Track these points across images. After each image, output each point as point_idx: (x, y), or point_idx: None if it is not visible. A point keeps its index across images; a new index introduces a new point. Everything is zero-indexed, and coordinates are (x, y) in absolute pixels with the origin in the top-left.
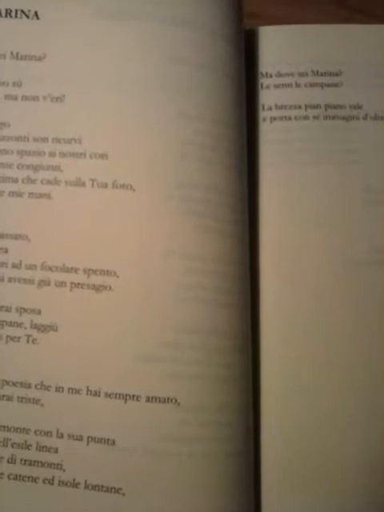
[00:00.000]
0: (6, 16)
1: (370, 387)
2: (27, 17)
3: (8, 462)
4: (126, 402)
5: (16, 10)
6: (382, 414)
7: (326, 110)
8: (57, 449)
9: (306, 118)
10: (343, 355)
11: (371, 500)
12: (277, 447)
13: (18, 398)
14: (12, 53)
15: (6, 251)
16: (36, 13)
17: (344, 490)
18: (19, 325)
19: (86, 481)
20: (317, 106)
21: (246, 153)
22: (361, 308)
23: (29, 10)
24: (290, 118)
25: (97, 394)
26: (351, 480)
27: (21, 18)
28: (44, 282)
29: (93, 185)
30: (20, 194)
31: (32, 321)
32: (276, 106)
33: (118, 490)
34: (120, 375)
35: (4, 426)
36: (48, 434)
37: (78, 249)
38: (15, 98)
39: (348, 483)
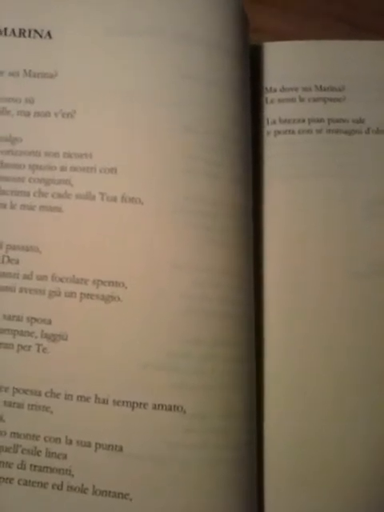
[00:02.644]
0: (20, 36)
1: (371, 395)
2: (40, 36)
3: (18, 467)
4: (133, 409)
5: (29, 30)
6: (383, 419)
7: (329, 123)
8: (66, 455)
9: (309, 131)
10: (345, 365)
11: (374, 504)
12: (280, 453)
13: (29, 405)
14: (25, 71)
15: (18, 262)
16: (49, 32)
17: (346, 496)
18: (30, 334)
19: (94, 486)
20: (320, 120)
21: (251, 166)
22: (363, 319)
23: (42, 30)
24: (293, 132)
25: (105, 401)
26: (354, 485)
27: (34, 37)
28: (54, 293)
29: (102, 198)
30: (31, 208)
31: (42, 330)
32: (280, 119)
33: (125, 496)
34: (127, 383)
35: (14, 433)
36: (57, 440)
37: (88, 260)
38: (28, 114)
39: (351, 489)
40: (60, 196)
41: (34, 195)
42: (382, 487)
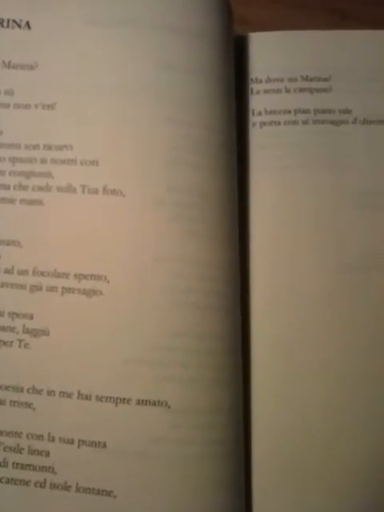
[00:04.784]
0: None
1: (363, 389)
2: (19, 27)
3: (0, 465)
4: (116, 405)
5: (8, 20)
6: (376, 414)
7: (315, 114)
8: (48, 452)
9: (295, 122)
10: (335, 357)
11: (362, 501)
12: (268, 449)
13: (11, 402)
14: (4, 62)
15: None
16: (27, 23)
17: (336, 492)
18: (12, 329)
19: (77, 483)
20: (306, 111)
21: (237, 158)
22: (354, 311)
23: (20, 20)
24: (279, 123)
25: (88, 397)
26: (343, 481)
27: (13, 28)
28: (36, 287)
29: (83, 191)
30: (12, 201)
31: (24, 325)
32: (266, 111)
33: (109, 493)
34: (111, 379)
35: None
36: (40, 437)
37: (69, 254)
38: (7, 106)
39: (340, 484)
40: (41, 189)
41: (15, 188)
42: (372, 483)
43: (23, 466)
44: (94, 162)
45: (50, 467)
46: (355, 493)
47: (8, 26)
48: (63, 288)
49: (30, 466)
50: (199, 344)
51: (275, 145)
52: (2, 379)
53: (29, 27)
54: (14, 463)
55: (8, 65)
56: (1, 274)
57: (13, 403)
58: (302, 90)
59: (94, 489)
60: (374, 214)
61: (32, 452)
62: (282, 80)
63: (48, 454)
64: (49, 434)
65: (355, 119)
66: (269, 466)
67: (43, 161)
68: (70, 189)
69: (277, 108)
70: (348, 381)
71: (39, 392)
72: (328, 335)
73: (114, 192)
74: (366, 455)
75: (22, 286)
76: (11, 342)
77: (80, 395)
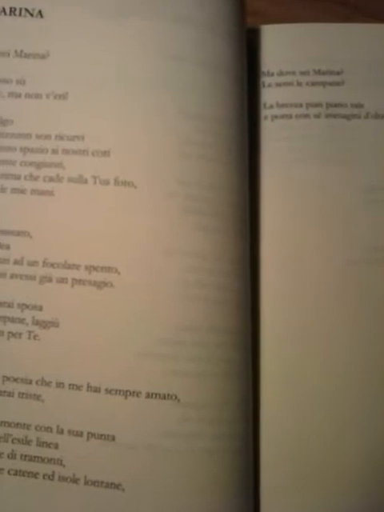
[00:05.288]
0: (11, 14)
1: (369, 385)
2: (31, 15)
3: (8, 457)
4: (126, 398)
5: (20, 9)
6: (382, 411)
7: (327, 108)
8: (57, 444)
9: (306, 116)
10: (343, 352)
11: (370, 498)
12: (276, 444)
13: (19, 393)
14: (16, 51)
15: (8, 247)
16: (40, 11)
17: (343, 488)
18: (21, 321)
19: (85, 476)
20: (318, 105)
21: (248, 151)
22: (361, 306)
23: (33, 9)
24: (290, 117)
25: (97, 390)
26: (351, 478)
27: (25, 16)
28: (46, 279)
29: (95, 182)
30: (22, 191)
31: (34, 317)
32: (277, 104)
33: (117, 486)
34: (120, 371)
35: (5, 422)
36: (48, 429)
37: (80, 245)
38: (19, 95)
39: (347, 481)
40: (52, 179)
41: (26, 179)
42: (379, 481)
43: (31, 458)
44: (106, 153)
45: (58, 459)
46: (364, 492)
47: (20, 15)
48: (73, 279)
49: (38, 458)
50: (209, 338)
51: (286, 138)
52: (10, 371)
53: (41, 16)
54: (22, 455)
55: (20, 54)
56: (10, 265)
57: (21, 395)
58: (313, 83)
59: (102, 482)
60: (382, 209)
61: (40, 444)
62: (294, 73)
63: (57, 447)
64: (57, 426)
65: (367, 114)
66: (277, 461)
67: (54, 151)
68: (82, 180)
69: (288, 101)
70: (357, 375)
71: (48, 384)
72: (336, 330)
73: (125, 183)
74: (376, 453)
75: (31, 277)
76: (20, 333)
77: (89, 388)
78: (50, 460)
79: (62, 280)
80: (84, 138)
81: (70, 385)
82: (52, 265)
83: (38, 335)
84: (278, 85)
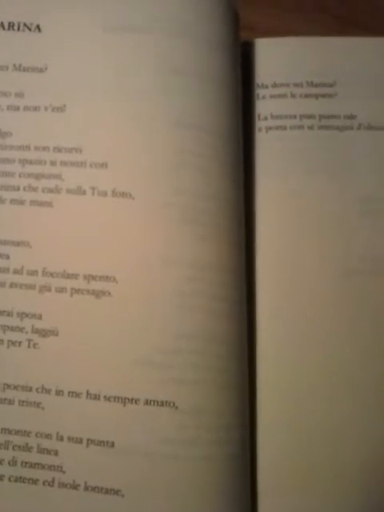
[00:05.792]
0: (9, 29)
1: (365, 393)
2: (29, 30)
3: (9, 464)
4: (124, 405)
5: (18, 23)
6: (378, 417)
7: (320, 120)
8: (57, 451)
9: (300, 127)
10: (338, 362)
11: (368, 502)
12: (273, 451)
13: (19, 401)
14: (15, 65)
15: (8, 257)
16: (38, 26)
17: (340, 494)
18: (20, 329)
19: (85, 482)
20: (311, 116)
21: (243, 162)
22: (357, 316)
23: (31, 23)
24: (285, 128)
25: (96, 397)
26: (347, 484)
27: (23, 31)
28: (45, 288)
29: (93, 193)
30: (22, 202)
31: (33, 325)
32: (271, 115)
33: (117, 492)
34: (119, 379)
35: (5, 429)
36: (48, 436)
37: (79, 255)
38: (17, 108)
39: (344, 487)
40: (50, 191)
41: (25, 190)
42: (376, 484)
43: (32, 465)
44: (104, 165)
45: (58, 466)
46: (362, 496)
47: (18, 29)
48: (72, 289)
49: (38, 464)
50: (206, 347)
51: (281, 149)
52: (10, 379)
53: (39, 30)
54: (22, 462)
55: (18, 68)
56: (10, 275)
57: (22, 403)
58: (307, 95)
59: (102, 488)
60: (377, 219)
61: (41, 451)
62: (287, 85)
63: (57, 453)
64: (57, 433)
65: (360, 125)
66: (274, 467)
67: (53, 163)
68: (80, 191)
69: (283, 113)
70: (353, 384)
71: (48, 392)
72: (333, 340)
73: (123, 194)
74: (374, 457)
75: (31, 287)
76: (20, 342)
77: (89, 395)
78: (50, 466)
79: (61, 289)
80: (82, 150)
81: (69, 392)
82: (51, 274)
83: (38, 343)
84: (273, 97)
